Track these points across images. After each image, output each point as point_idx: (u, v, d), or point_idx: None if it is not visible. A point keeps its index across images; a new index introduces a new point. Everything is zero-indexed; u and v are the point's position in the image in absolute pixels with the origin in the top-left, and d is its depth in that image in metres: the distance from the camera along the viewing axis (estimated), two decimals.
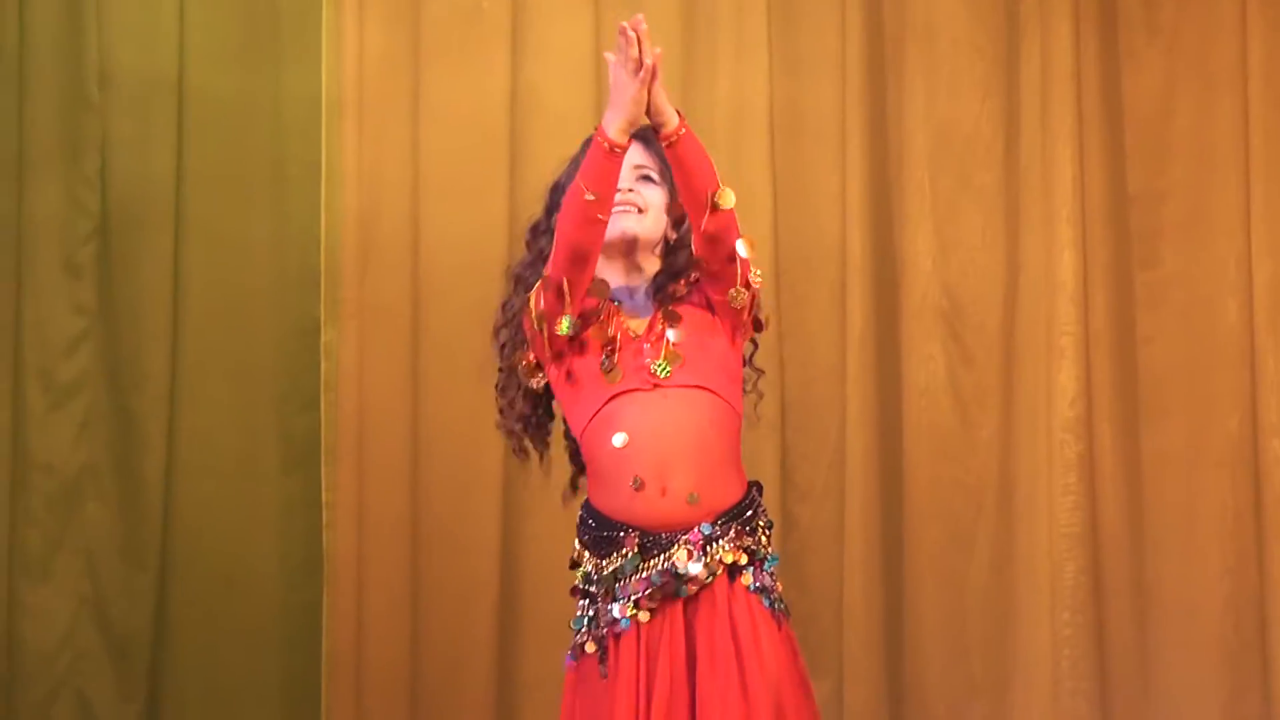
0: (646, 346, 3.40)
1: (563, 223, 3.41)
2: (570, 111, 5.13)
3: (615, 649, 3.41)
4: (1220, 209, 5.24)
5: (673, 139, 3.32)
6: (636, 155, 3.53)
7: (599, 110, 4.90)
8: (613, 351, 3.42)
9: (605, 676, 3.40)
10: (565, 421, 3.55)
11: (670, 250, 3.55)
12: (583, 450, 3.49)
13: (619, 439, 3.36)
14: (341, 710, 5.06)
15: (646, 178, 3.53)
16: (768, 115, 5.18)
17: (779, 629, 3.43)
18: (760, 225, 5.00)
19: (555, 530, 4.60)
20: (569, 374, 3.44)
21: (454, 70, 5.15)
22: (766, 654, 3.39)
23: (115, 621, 5.07)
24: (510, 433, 3.57)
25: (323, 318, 5.04)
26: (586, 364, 3.42)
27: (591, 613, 3.45)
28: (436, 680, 5.10)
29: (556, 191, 3.56)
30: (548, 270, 3.38)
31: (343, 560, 5.05)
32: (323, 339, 5.04)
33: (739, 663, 3.38)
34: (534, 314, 3.39)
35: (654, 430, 3.39)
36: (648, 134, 3.52)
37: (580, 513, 3.52)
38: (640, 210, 3.49)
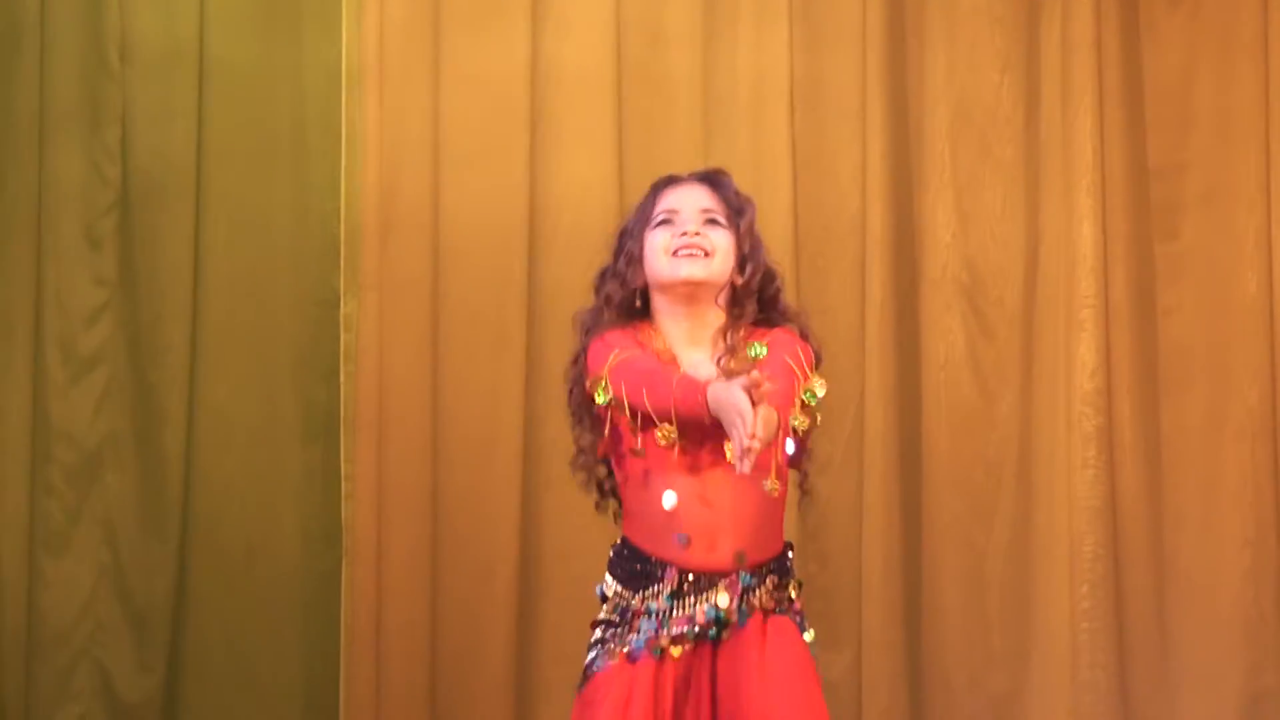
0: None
1: (649, 402, 3.38)
2: (589, 82, 5.23)
3: (633, 674, 3.45)
4: (1240, 182, 5.29)
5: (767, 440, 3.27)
6: (703, 198, 3.59)
7: (617, 81, 5.37)
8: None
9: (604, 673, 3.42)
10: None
11: (735, 298, 3.57)
12: (625, 493, 3.55)
13: (669, 500, 3.44)
14: (361, 679, 5.10)
15: (713, 221, 3.55)
16: (788, 87, 5.23)
17: (800, 638, 3.49)
18: (780, 197, 5.10)
19: (575, 502, 4.36)
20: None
21: (474, 39, 5.18)
22: (791, 665, 3.45)
23: (135, 592, 5.13)
24: (587, 471, 3.60)
25: (342, 289, 5.09)
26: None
27: (611, 642, 3.50)
28: (455, 650, 5.15)
29: (624, 237, 3.62)
30: (628, 396, 3.38)
31: (362, 530, 5.10)
32: (342, 310, 5.08)
33: (762, 683, 3.43)
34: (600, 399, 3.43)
35: (704, 497, 3.45)
36: (715, 177, 3.61)
37: (616, 547, 3.58)
38: (707, 254, 3.52)
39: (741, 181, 4.89)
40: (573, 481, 3.87)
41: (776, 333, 3.60)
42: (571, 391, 3.60)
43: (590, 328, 3.63)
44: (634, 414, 3.42)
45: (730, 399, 3.25)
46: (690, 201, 3.62)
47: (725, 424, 3.30)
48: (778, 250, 4.92)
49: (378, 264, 5.12)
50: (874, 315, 5.20)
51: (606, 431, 3.54)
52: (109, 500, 5.13)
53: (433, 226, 5.16)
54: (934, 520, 5.29)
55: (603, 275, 3.69)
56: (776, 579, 3.51)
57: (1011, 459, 5.31)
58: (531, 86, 5.19)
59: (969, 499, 5.30)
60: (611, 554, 3.58)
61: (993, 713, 5.27)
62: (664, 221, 3.62)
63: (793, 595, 3.55)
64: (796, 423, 3.45)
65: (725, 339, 3.58)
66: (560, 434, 4.36)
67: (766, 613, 3.48)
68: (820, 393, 3.46)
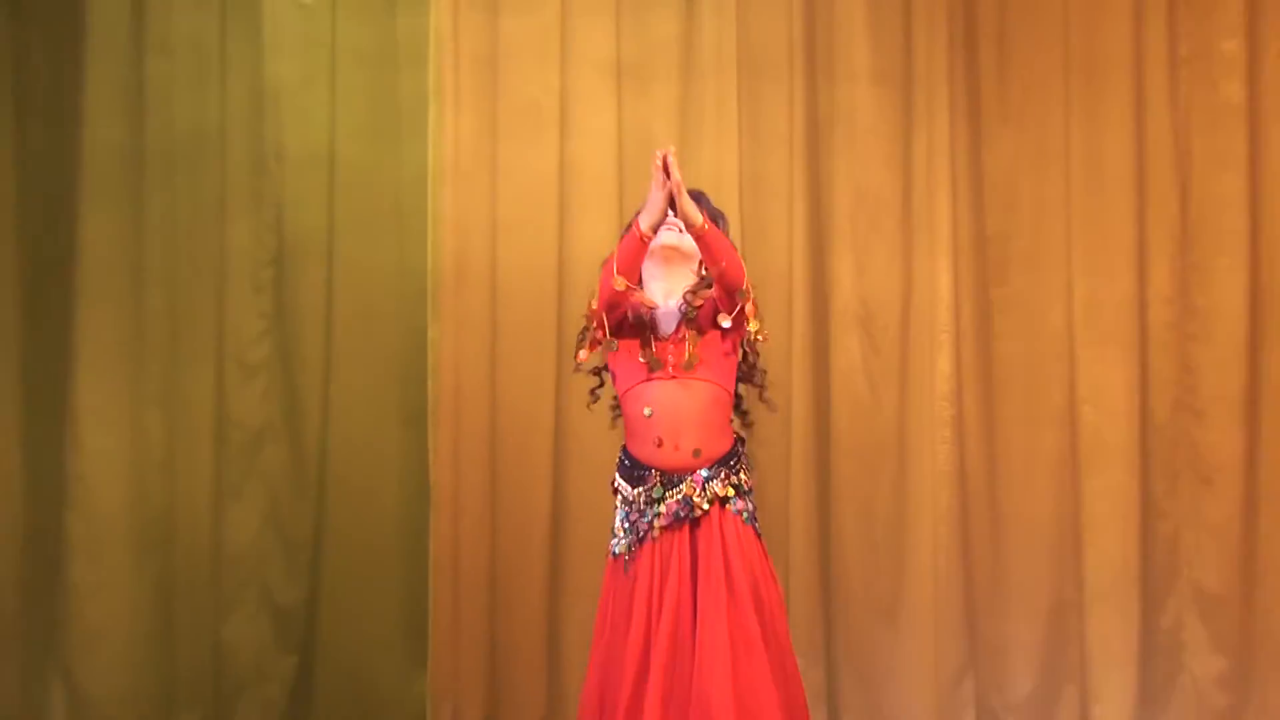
0: (671, 347, 4.04)
1: (601, 290, 3.99)
2: (601, 177, 5.78)
3: (639, 555, 4.02)
4: (1050, 246, 5.90)
5: (699, 231, 3.97)
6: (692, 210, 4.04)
7: (619, 175, 5.75)
8: (650, 349, 4.07)
9: (628, 574, 4.03)
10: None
11: (704, 278, 4.10)
12: (622, 407, 4.14)
13: (646, 411, 4.04)
14: (443, 599, 5.69)
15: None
16: (738, 179, 5.82)
17: (757, 539, 4.10)
18: None
19: (592, 471, 5.29)
20: (622, 359, 4.13)
21: (520, 144, 5.75)
22: (747, 559, 4.01)
23: (286, 530, 5.73)
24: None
25: (429, 320, 5.65)
26: (630, 353, 4.10)
27: (627, 523, 4.07)
28: (508, 575, 5.76)
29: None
30: (592, 305, 4.01)
31: (443, 491, 5.68)
32: (429, 335, 5.64)
33: (726, 567, 3.97)
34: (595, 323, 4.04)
35: (671, 406, 4.05)
36: (696, 196, 4.12)
37: (620, 455, 4.17)
38: (681, 231, 4.07)
39: None
40: (592, 464, 4.74)
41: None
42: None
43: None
44: (600, 321, 3.94)
45: (649, 199, 3.83)
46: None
47: (653, 206, 3.87)
48: None
49: (454, 303, 5.69)
50: (797, 338, 5.77)
51: (615, 363, 4.08)
52: (268, 467, 5.71)
53: (491, 277, 5.71)
54: (839, 480, 5.86)
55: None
56: (726, 470, 4.04)
57: (892, 437, 5.87)
58: (560, 179, 5.75)
59: (863, 465, 5.86)
60: (618, 462, 4.14)
61: (879, 613, 5.86)
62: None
63: (743, 478, 4.07)
64: (752, 327, 4.03)
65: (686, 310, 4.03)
66: (580, 423, 5.24)
67: (724, 501, 4.00)
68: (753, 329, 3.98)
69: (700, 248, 4.05)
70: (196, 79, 5.70)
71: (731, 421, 4.19)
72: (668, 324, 4.15)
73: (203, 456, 5.69)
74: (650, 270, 4.16)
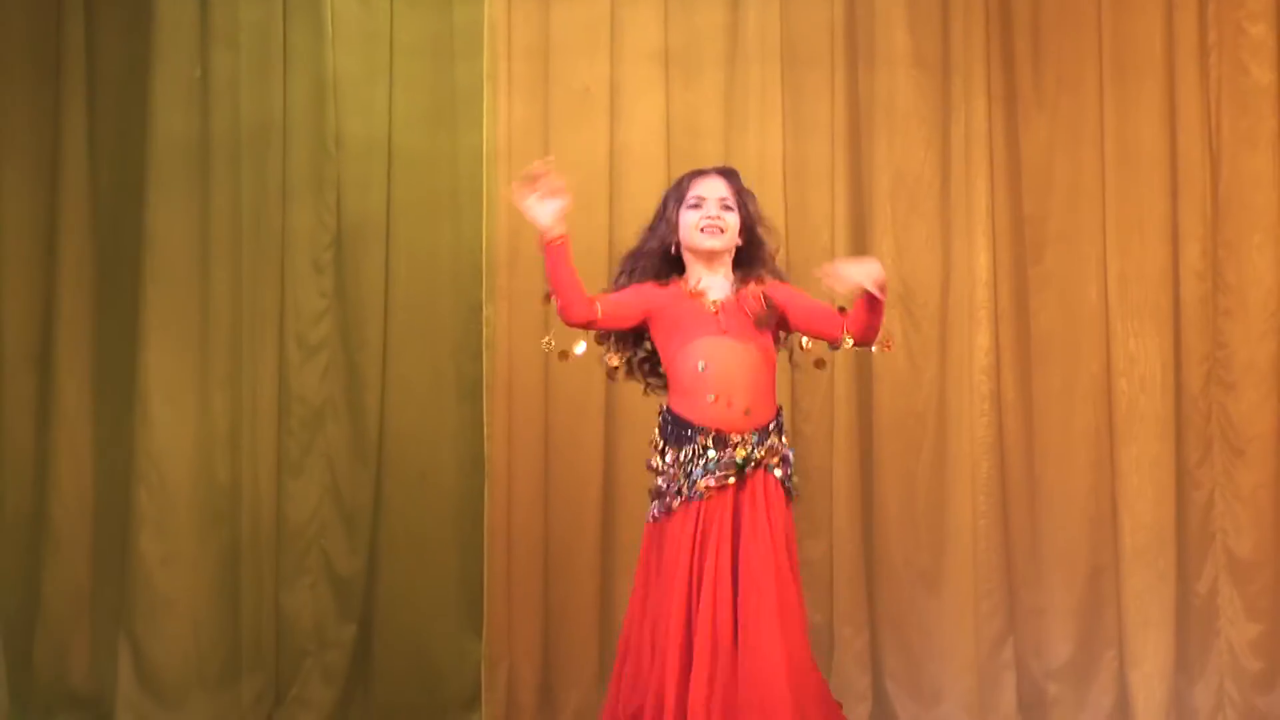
0: (723, 308, 4.17)
1: (579, 319, 4.15)
2: (649, 162, 5.95)
3: (678, 513, 4.11)
4: (1085, 225, 6.07)
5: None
6: (722, 189, 4.30)
7: (667, 161, 5.94)
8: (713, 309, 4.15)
9: (658, 522, 4.11)
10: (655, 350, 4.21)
11: (739, 253, 4.33)
12: (670, 368, 4.18)
13: (701, 364, 4.13)
14: (497, 569, 5.90)
15: (727, 207, 4.29)
16: (781, 164, 6.01)
17: (787, 503, 4.24)
18: (776, 239, 5.04)
19: (640, 444, 5.04)
20: (671, 319, 4.21)
21: (572, 131, 5.94)
22: (784, 523, 4.20)
23: (347, 502, 5.92)
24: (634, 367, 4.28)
25: (484, 299, 5.82)
26: (682, 313, 4.22)
27: (665, 487, 4.16)
28: (561, 544, 5.98)
29: (664, 207, 4.28)
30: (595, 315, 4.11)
31: (498, 463, 5.89)
32: (485, 314, 5.82)
33: (771, 532, 4.13)
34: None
35: (725, 361, 4.15)
36: (729, 173, 4.33)
37: (663, 415, 4.22)
38: (723, 230, 4.28)
39: None
40: (641, 432, 4.62)
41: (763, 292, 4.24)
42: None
43: (626, 259, 4.25)
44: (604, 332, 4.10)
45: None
46: (713, 191, 4.26)
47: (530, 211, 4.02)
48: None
49: (508, 282, 5.88)
50: None
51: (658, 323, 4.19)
52: (329, 441, 5.91)
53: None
54: (881, 452, 6.02)
55: (649, 230, 4.27)
56: (772, 435, 4.18)
57: (933, 411, 6.04)
58: (610, 164, 5.95)
59: (904, 439, 6.05)
60: (660, 421, 4.21)
61: (921, 582, 6.03)
62: (695, 205, 4.25)
63: (784, 442, 4.22)
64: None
65: (736, 281, 4.17)
66: (630, 396, 5.23)
67: (768, 466, 4.13)
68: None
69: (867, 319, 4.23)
70: (260, 70, 5.92)
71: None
72: (718, 292, 4.34)
73: (266, 433, 5.91)
74: (693, 261, 4.34)
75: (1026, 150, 6.12)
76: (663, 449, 4.24)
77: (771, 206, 5.52)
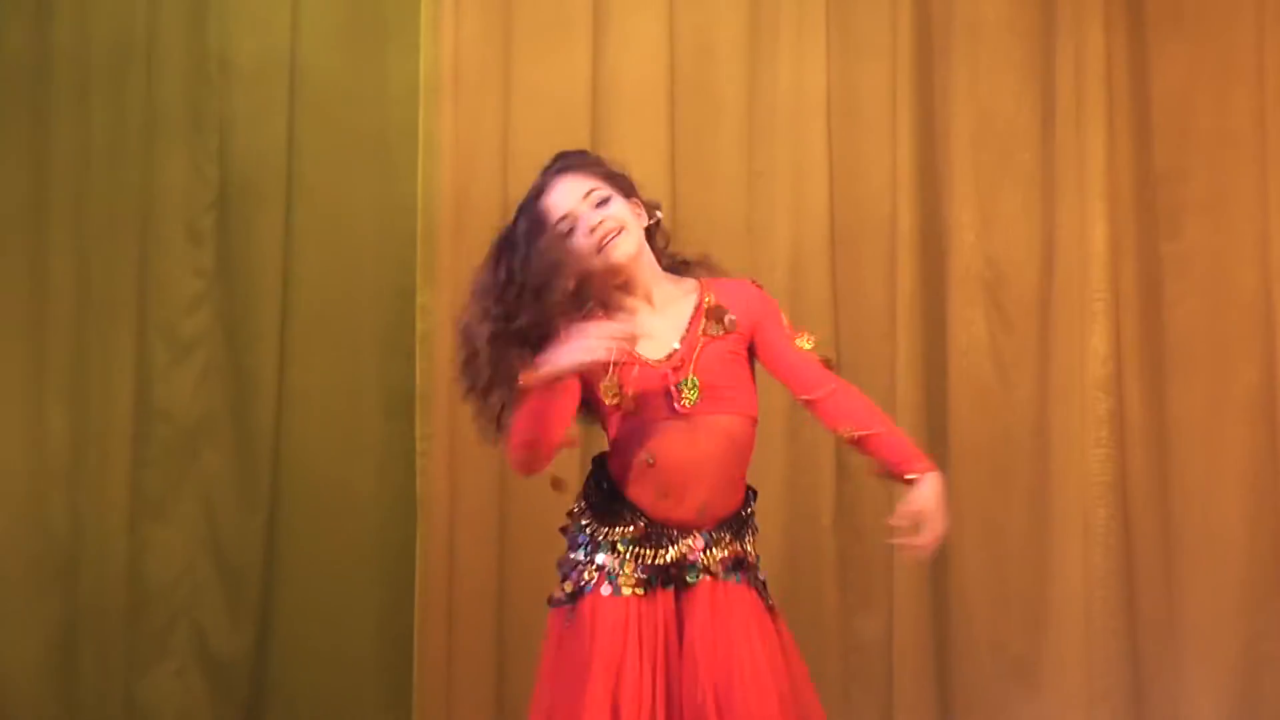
0: (669, 373, 3.61)
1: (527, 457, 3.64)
2: (644, 94, 5.61)
3: (600, 613, 3.64)
4: (1239, 188, 5.64)
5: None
6: (579, 185, 3.69)
7: (670, 94, 5.55)
8: (622, 392, 3.60)
9: (568, 623, 3.67)
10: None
11: (650, 236, 3.72)
12: (610, 433, 3.71)
13: (649, 458, 3.62)
14: (433, 636, 5.47)
15: (603, 200, 3.68)
16: (825, 99, 5.62)
17: (767, 612, 3.70)
18: (818, 199, 5.45)
19: None
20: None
21: (541, 54, 5.59)
22: (754, 634, 3.65)
23: (229, 556, 5.60)
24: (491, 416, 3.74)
25: (419, 280, 5.46)
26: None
27: (582, 559, 3.72)
28: (521, 611, 5.47)
29: (515, 260, 3.65)
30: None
31: (436, 498, 5.46)
32: (419, 299, 5.46)
33: (731, 651, 3.60)
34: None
35: (680, 457, 3.63)
36: (569, 164, 3.74)
37: (593, 473, 3.76)
38: (623, 228, 3.65)
39: (781, 185, 5.42)
40: None
41: (726, 285, 3.73)
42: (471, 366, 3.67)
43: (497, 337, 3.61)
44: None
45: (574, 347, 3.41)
46: (573, 195, 3.70)
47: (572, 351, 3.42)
48: (815, 247, 5.38)
49: (451, 258, 5.47)
50: (903, 308, 5.55)
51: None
52: (205, 473, 5.61)
53: (502, 223, 5.23)
54: (959, 496, 5.35)
55: (504, 297, 3.64)
56: (731, 535, 3.71)
57: (1029, 439, 5.62)
58: (593, 98, 5.58)
59: (991, 476, 5.63)
60: (590, 476, 3.75)
61: (1013, 674, 5.57)
62: (568, 231, 3.66)
63: (749, 549, 3.74)
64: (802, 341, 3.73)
65: (701, 312, 3.67)
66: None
67: (715, 576, 3.67)
68: (808, 346, 3.73)
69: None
70: None
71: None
72: (667, 338, 3.69)
73: (118, 461, 5.64)
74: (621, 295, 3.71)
75: (1158, 85, 5.71)
76: (581, 511, 3.77)
77: (813, 161, 5.63)
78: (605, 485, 3.73)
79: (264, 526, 5.65)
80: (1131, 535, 5.63)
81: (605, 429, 3.72)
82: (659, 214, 3.75)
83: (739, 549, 3.72)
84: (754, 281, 3.81)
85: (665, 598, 3.65)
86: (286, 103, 5.65)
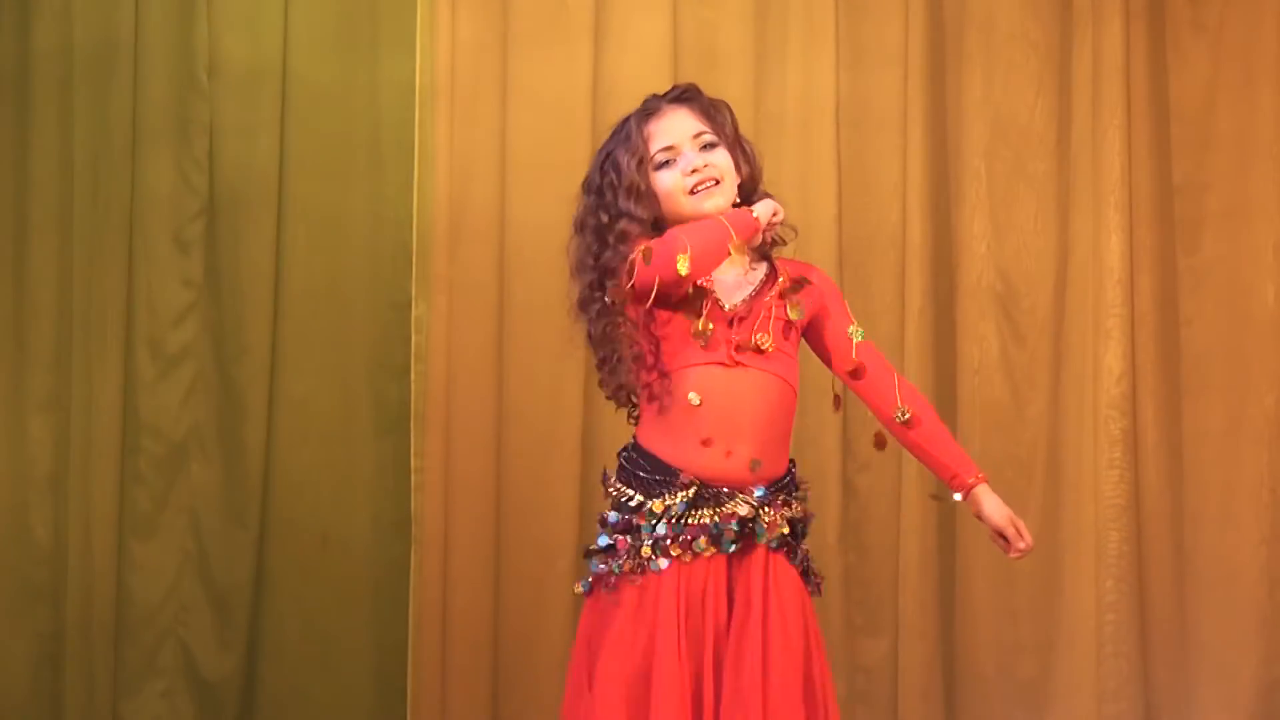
0: (736, 325, 3.69)
1: (654, 269, 3.60)
2: None
3: (655, 585, 3.65)
4: (1259, 199, 5.63)
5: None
6: (690, 123, 3.80)
7: None
8: (706, 321, 3.65)
9: (608, 590, 3.66)
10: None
11: (744, 194, 3.81)
12: (645, 398, 3.74)
13: (695, 397, 3.67)
14: (428, 660, 5.49)
15: (710, 144, 3.78)
16: (834, 105, 5.61)
17: (808, 596, 3.77)
18: (825, 210, 5.44)
19: None
20: (662, 323, 3.70)
21: (539, 59, 5.57)
22: (795, 618, 3.70)
23: (217, 576, 5.57)
24: (622, 384, 3.76)
25: (414, 292, 5.49)
26: (677, 322, 3.70)
27: (625, 551, 3.70)
28: (516, 635, 5.52)
29: (614, 172, 3.79)
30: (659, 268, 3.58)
31: (430, 520, 5.48)
32: (414, 312, 5.49)
33: (765, 631, 3.64)
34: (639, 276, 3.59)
35: (728, 398, 3.70)
36: (688, 96, 3.83)
37: (626, 454, 3.77)
38: (718, 181, 3.77)
39: (789, 195, 5.33)
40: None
41: (797, 263, 3.85)
42: (594, 312, 3.74)
43: (588, 226, 3.78)
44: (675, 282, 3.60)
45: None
46: (682, 131, 3.80)
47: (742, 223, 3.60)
48: (821, 259, 5.35)
49: (447, 269, 5.51)
50: (913, 321, 5.56)
51: (644, 328, 3.70)
52: (193, 489, 5.56)
53: (499, 234, 5.52)
54: (967, 516, 5.07)
55: (604, 211, 3.80)
56: (785, 496, 3.75)
57: (1040, 458, 5.64)
58: (593, 103, 5.55)
59: (1000, 495, 5.11)
60: (622, 461, 3.77)
61: (1020, 698, 5.58)
62: (667, 162, 3.77)
63: (798, 515, 3.77)
64: (852, 331, 3.81)
65: (771, 283, 3.77)
66: (616, 430, 4.47)
67: (775, 543, 3.70)
68: (858, 337, 3.81)
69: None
70: None
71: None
72: (733, 293, 3.80)
73: (104, 476, 5.56)
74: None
75: (1177, 95, 5.69)
76: (625, 498, 3.73)
77: (821, 171, 5.61)
78: (644, 462, 3.74)
79: (253, 544, 5.63)
80: (1144, 558, 5.64)
81: (646, 396, 3.73)
82: (768, 203, 3.82)
83: (792, 510, 3.76)
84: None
85: (718, 564, 3.66)
86: (277, 109, 5.63)
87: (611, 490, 3.78)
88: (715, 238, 3.64)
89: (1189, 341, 5.72)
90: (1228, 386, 5.69)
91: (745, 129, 5.43)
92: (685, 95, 3.87)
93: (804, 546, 3.78)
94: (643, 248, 3.61)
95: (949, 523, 5.64)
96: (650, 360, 3.74)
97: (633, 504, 3.74)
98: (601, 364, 3.80)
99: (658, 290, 3.62)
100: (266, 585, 5.62)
